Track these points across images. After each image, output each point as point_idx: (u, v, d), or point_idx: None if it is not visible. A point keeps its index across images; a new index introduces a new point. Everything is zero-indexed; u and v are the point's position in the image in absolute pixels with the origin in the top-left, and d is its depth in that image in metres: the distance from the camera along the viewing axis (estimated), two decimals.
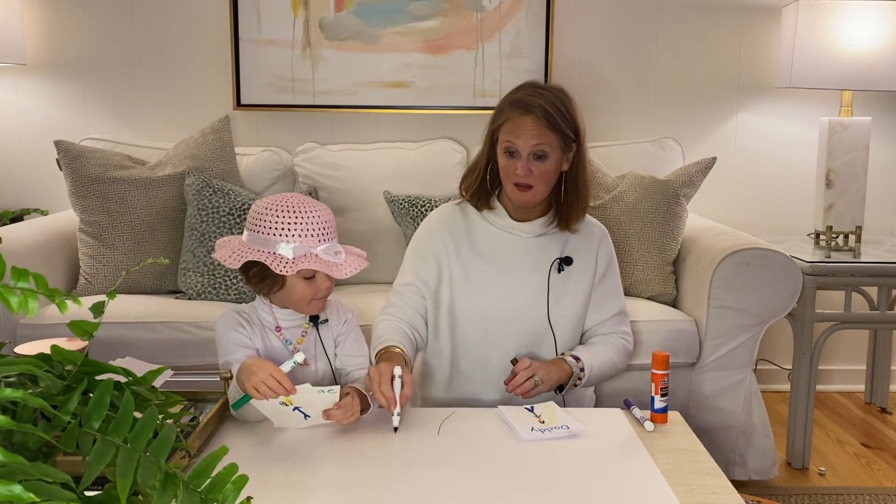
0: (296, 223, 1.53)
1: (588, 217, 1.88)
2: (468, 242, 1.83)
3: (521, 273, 1.81)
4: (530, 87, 1.76)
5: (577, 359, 1.78)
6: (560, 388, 1.77)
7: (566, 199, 1.80)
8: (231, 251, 1.57)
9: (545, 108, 1.70)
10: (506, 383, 1.71)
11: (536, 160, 1.71)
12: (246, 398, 1.47)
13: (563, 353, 1.81)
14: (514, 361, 1.73)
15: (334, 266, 1.54)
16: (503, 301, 1.80)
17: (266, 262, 1.51)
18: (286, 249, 1.52)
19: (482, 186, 1.83)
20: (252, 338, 1.63)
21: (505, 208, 1.83)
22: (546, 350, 1.82)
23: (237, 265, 1.54)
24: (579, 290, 1.84)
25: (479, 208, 1.85)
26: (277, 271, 1.50)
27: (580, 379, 1.77)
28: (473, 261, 1.82)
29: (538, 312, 1.80)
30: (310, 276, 1.56)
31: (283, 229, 1.53)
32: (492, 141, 1.80)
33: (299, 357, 1.49)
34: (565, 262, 1.81)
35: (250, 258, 1.53)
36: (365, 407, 1.62)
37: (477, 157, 1.86)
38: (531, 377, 1.69)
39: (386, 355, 1.66)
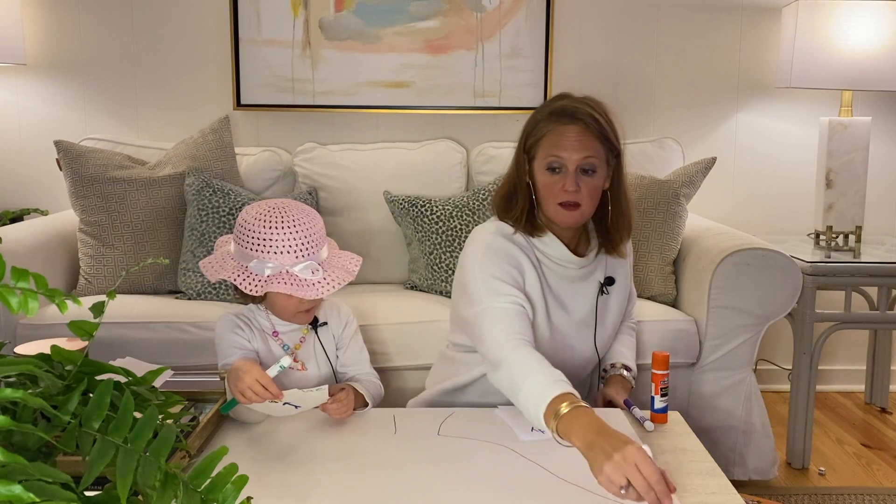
0: (273, 240, 1.49)
1: None
2: (533, 270, 1.62)
3: (575, 304, 1.67)
4: (568, 97, 1.61)
5: (628, 368, 1.79)
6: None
7: (614, 222, 1.64)
8: (215, 262, 1.56)
9: (592, 115, 1.55)
10: None
11: (584, 175, 1.56)
12: (233, 402, 1.47)
13: (612, 365, 1.80)
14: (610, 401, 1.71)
15: (308, 286, 1.49)
16: (560, 335, 1.67)
17: (236, 283, 1.49)
18: (260, 268, 1.49)
19: (531, 210, 1.62)
20: (251, 340, 1.63)
21: (556, 236, 1.64)
22: (589, 370, 1.80)
23: (214, 279, 1.53)
24: (619, 304, 1.78)
25: (532, 235, 1.64)
26: (246, 291, 1.48)
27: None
28: (538, 290, 1.63)
29: (587, 341, 1.72)
30: (283, 292, 1.51)
31: (260, 245, 1.49)
32: (524, 159, 1.62)
33: (286, 362, 1.46)
34: (608, 282, 1.70)
35: (223, 276, 1.50)
36: (360, 404, 1.62)
37: (509, 180, 1.67)
38: None
39: (577, 412, 1.26)
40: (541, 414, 1.30)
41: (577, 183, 1.55)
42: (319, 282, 1.50)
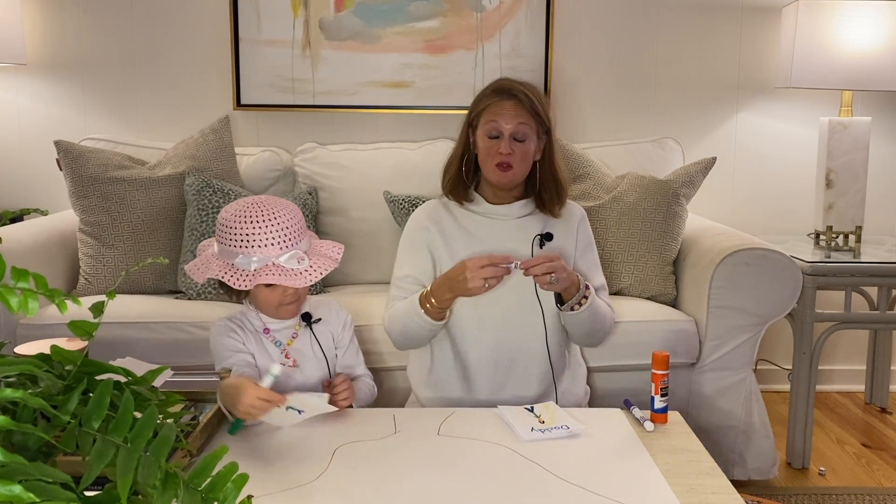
0: (255, 234, 1.49)
1: (568, 201, 1.97)
2: (455, 232, 1.90)
3: (512, 245, 1.86)
4: (508, 80, 1.90)
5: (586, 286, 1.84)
6: (561, 302, 1.82)
7: (544, 186, 1.90)
8: (200, 264, 1.56)
9: (525, 94, 1.84)
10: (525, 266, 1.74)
11: (516, 142, 1.83)
12: (238, 422, 1.47)
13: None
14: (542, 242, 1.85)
15: (296, 275, 1.50)
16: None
17: (223, 279, 1.49)
18: (245, 262, 1.49)
19: (459, 178, 1.92)
20: (245, 342, 1.64)
21: (483, 197, 1.92)
22: (536, 324, 1.84)
23: (202, 280, 1.54)
24: None
25: (459, 201, 1.93)
26: (234, 286, 1.49)
27: (585, 298, 1.80)
28: (462, 249, 1.87)
29: (526, 288, 1.82)
30: (272, 283, 1.52)
31: (243, 241, 1.50)
32: (469, 131, 1.90)
33: (276, 370, 1.45)
34: (546, 237, 1.87)
35: (210, 275, 1.51)
36: (347, 404, 1.63)
37: (453, 152, 1.96)
38: (549, 273, 1.70)
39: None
40: (417, 302, 1.79)
41: (510, 147, 1.82)
42: (307, 269, 1.51)
